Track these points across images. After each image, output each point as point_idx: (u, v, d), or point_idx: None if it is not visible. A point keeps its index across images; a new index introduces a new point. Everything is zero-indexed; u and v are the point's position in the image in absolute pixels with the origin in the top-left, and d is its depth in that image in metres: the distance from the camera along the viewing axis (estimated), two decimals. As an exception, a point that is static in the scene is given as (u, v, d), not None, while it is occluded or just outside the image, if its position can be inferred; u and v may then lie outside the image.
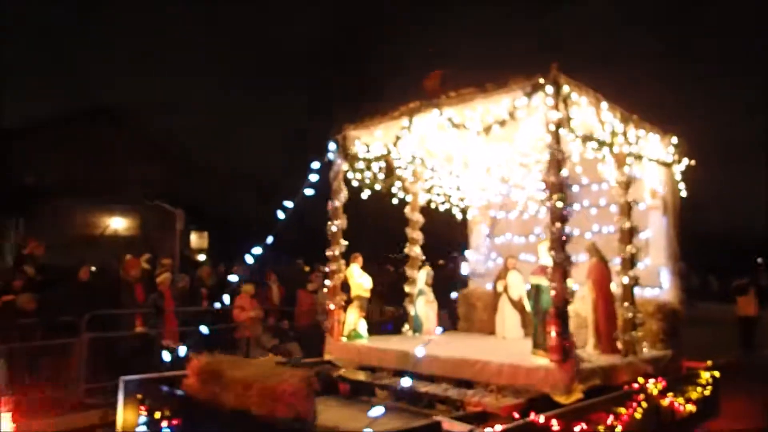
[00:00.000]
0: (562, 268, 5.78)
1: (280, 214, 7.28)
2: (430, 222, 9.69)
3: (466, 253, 10.52)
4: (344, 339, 7.85)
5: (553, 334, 5.58)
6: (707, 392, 7.71)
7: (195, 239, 22.21)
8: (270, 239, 6.77)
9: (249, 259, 6.64)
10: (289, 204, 7.18)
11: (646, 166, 8.42)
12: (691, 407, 7.24)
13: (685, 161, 8.48)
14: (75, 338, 8.04)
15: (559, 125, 6.02)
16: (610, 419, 5.55)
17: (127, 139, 23.78)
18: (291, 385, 4.54)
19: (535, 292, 6.20)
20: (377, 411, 4.07)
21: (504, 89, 6.48)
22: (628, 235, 7.11)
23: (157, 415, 5.53)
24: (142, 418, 5.75)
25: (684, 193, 8.36)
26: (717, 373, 8.14)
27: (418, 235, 9.49)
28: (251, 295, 9.66)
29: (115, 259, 11.00)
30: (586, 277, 7.21)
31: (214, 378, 5.05)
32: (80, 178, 21.65)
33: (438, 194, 9.85)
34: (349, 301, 8.09)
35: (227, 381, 4.89)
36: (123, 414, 6.01)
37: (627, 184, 7.24)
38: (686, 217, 8.58)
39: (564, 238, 5.84)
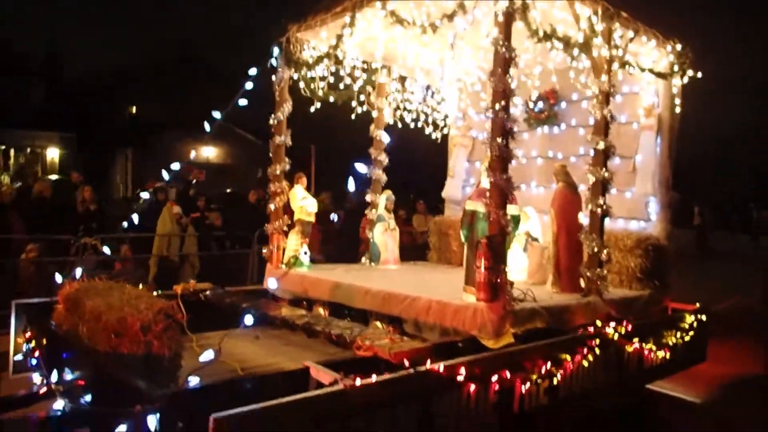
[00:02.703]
0: (501, 190, 4.81)
1: (207, 127, 6.52)
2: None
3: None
4: (283, 267, 7.14)
5: (483, 268, 4.70)
6: (687, 338, 6.82)
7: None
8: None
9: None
10: (217, 114, 6.35)
11: (642, 78, 7.22)
12: (663, 354, 6.38)
13: (689, 74, 7.19)
14: (249, 249, 10.09)
15: (510, 15, 4.88)
16: (547, 366, 4.74)
17: (212, 77, 26.79)
18: (141, 318, 3.83)
19: (470, 219, 5.26)
20: (208, 356, 3.36)
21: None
22: (602, 156, 6.01)
23: (33, 344, 4.98)
24: (25, 347, 5.21)
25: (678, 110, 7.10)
26: (704, 317, 7.22)
27: (382, 157, 8.53)
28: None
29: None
30: (550, 205, 6.23)
31: (75, 306, 4.39)
32: (178, 112, 24.89)
33: (407, 110, 8.78)
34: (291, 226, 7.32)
35: (83, 311, 4.22)
36: (15, 340, 5.50)
37: (606, 95, 6.06)
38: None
39: (506, 155, 4.85)
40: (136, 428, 3.11)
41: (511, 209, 5.06)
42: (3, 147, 24.61)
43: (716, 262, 20.55)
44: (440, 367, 3.86)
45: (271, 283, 3.76)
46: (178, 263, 9.88)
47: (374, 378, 3.49)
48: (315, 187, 18.39)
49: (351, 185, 3.55)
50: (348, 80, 7.89)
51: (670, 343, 6.60)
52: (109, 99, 26.34)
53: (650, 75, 7.01)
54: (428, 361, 3.87)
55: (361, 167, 3.70)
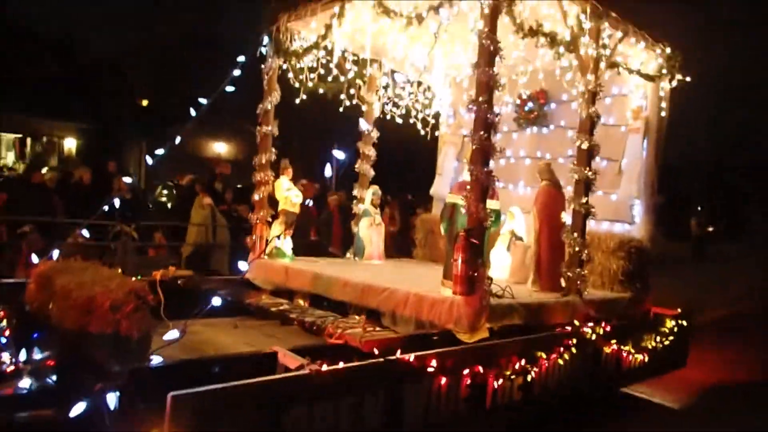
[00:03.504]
0: (481, 184, 4.79)
1: (192, 112, 6.55)
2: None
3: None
4: (265, 257, 7.10)
5: (460, 261, 4.68)
6: (667, 342, 6.81)
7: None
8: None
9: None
10: (203, 100, 6.43)
11: (631, 80, 7.23)
12: (642, 357, 6.37)
13: (678, 77, 7.18)
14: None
15: (496, 8, 4.87)
16: (521, 363, 4.72)
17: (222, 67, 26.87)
18: (111, 298, 3.78)
19: (450, 212, 5.24)
20: (172, 334, 3.34)
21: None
22: (586, 155, 6.01)
23: (4, 323, 4.92)
24: (-2, 325, 5.15)
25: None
26: (685, 322, 7.22)
27: (370, 151, 8.51)
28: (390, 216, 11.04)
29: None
30: (533, 203, 6.22)
31: (46, 285, 4.35)
32: (191, 103, 23.88)
33: (397, 105, 8.74)
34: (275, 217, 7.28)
35: (54, 289, 4.18)
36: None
37: (593, 94, 6.06)
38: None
39: (487, 148, 4.83)
40: (95, 406, 3.07)
41: (492, 204, 5.04)
42: (20, 135, 24.70)
43: (713, 266, 21.35)
44: (410, 357, 3.84)
45: (241, 266, 3.72)
46: (210, 249, 10.23)
47: (341, 364, 3.46)
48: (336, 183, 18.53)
49: (328, 171, 3.52)
50: (337, 73, 7.90)
51: (649, 347, 6.60)
52: (120, 89, 26.34)
53: (639, 77, 7.03)
54: (398, 351, 3.84)
55: (339, 154, 3.68)
